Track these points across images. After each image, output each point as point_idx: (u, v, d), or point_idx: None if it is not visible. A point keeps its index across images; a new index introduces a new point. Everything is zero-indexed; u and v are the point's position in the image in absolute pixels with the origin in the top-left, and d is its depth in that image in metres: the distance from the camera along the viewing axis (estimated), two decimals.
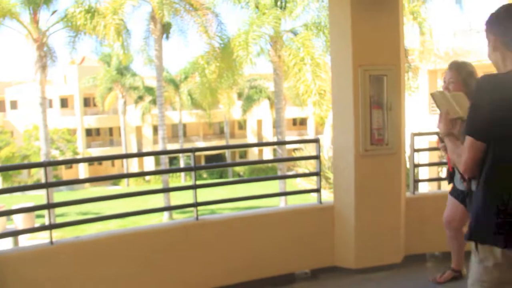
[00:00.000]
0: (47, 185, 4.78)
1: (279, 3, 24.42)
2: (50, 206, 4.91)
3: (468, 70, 4.19)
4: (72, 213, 27.65)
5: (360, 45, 5.19)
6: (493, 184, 2.48)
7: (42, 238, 18.02)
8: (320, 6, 23.89)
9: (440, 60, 28.34)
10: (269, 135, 54.83)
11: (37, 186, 5.31)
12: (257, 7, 24.72)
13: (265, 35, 24.65)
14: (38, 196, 31.79)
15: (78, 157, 45.42)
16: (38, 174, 44.66)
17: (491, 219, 2.45)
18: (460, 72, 4.17)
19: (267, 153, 52.71)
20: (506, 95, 2.48)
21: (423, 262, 5.64)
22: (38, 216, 26.57)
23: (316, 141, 5.96)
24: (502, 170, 2.47)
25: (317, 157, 5.93)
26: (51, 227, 4.74)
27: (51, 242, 4.65)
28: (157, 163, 47.10)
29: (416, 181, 6.09)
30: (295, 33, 25.00)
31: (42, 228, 4.85)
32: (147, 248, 5.04)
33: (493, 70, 2.74)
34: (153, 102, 44.16)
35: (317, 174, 5.93)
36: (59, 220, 24.25)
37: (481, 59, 26.91)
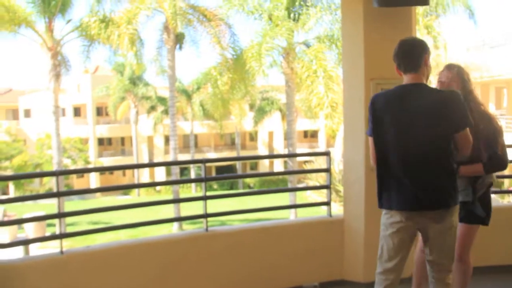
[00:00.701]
0: (58, 194, 4.81)
1: (292, 15, 24.48)
2: (61, 215, 4.95)
3: (467, 74, 4.28)
4: (83, 222, 27.68)
5: (372, 58, 5.20)
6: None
7: (52, 247, 18.06)
8: (333, 19, 23.94)
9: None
10: (280, 147, 54.79)
11: (48, 195, 5.35)
12: (270, 19, 24.80)
13: (278, 47, 24.71)
14: (50, 205, 31.86)
15: (90, 166, 45.59)
16: (50, 183, 44.78)
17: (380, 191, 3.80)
18: (461, 74, 4.22)
19: (278, 165, 52.64)
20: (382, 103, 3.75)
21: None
22: (49, 225, 26.62)
23: (327, 154, 5.96)
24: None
25: (327, 170, 5.93)
26: (62, 236, 4.76)
27: (61, 252, 4.67)
28: (168, 173, 47.14)
29: None
30: (308, 45, 25.05)
31: (53, 237, 4.87)
32: (157, 259, 5.04)
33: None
34: (165, 112, 44.33)
35: (327, 187, 5.92)
36: (70, 229, 24.30)
37: (493, 74, 26.85)
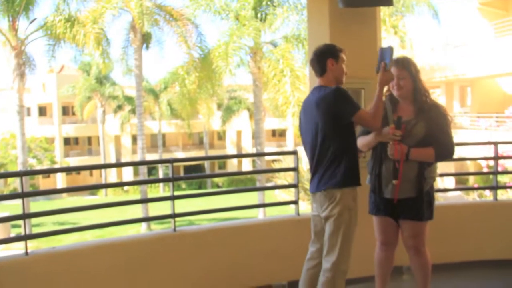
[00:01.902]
0: (23, 195, 4.74)
1: (259, 15, 24.54)
2: (25, 216, 4.87)
3: (415, 66, 4.34)
4: (48, 223, 27.39)
5: None
6: None
7: (17, 248, 17.82)
8: (300, 19, 24.07)
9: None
10: (248, 146, 54.88)
11: (13, 196, 5.26)
12: (237, 18, 24.84)
13: (245, 46, 24.76)
14: (15, 206, 31.42)
15: (56, 166, 45.07)
16: (15, 183, 44.17)
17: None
18: (409, 68, 4.26)
19: (246, 164, 52.72)
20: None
21: (400, 275, 5.67)
22: (14, 226, 26.28)
23: (294, 153, 5.98)
24: None
25: (295, 169, 5.95)
26: (27, 237, 4.69)
27: (26, 253, 4.61)
28: (136, 173, 46.86)
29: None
30: (275, 45, 25.16)
31: (17, 238, 4.79)
32: (124, 259, 5.01)
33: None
34: (133, 111, 44.12)
35: (295, 186, 5.95)
36: (36, 230, 24.02)
37: (457, 73, 27.23)
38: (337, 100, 3.99)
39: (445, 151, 4.19)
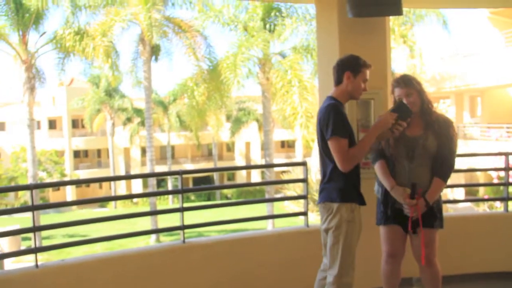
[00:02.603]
0: (33, 208, 4.75)
1: (267, 26, 24.60)
2: (35, 229, 4.87)
3: (416, 79, 4.31)
4: (59, 235, 27.46)
5: None
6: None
7: (28, 261, 17.85)
8: (309, 29, 24.10)
9: (427, 84, 28.49)
10: (257, 158, 54.84)
11: (23, 209, 5.26)
12: (245, 29, 24.91)
13: (253, 57, 24.80)
14: (25, 219, 31.51)
15: (66, 179, 45.18)
16: (25, 196, 44.31)
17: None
18: (412, 83, 4.23)
19: (255, 176, 52.66)
20: None
21: (409, 286, 5.62)
22: (25, 239, 26.32)
23: (303, 164, 5.96)
24: None
25: (304, 180, 5.92)
26: (37, 250, 4.69)
27: (36, 266, 4.61)
28: (145, 185, 46.93)
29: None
30: (283, 56, 25.17)
31: (27, 251, 4.79)
32: (133, 271, 5.00)
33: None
34: (142, 123, 44.16)
35: (304, 197, 5.92)
36: (46, 242, 24.06)
37: (468, 83, 27.14)
38: (325, 118, 3.93)
39: (449, 171, 4.20)
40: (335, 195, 3.98)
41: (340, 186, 3.98)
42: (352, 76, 4.00)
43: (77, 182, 34.88)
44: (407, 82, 4.21)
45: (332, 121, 3.86)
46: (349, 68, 4.01)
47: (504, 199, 6.28)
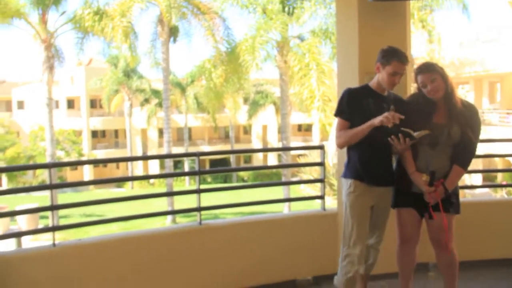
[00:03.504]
0: (51, 187, 4.78)
1: (286, 9, 24.44)
2: (53, 208, 4.91)
3: (438, 65, 4.27)
4: (76, 214, 27.67)
5: (366, 52, 5.16)
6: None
7: (45, 239, 18.03)
8: (328, 13, 23.92)
9: (447, 70, 28.26)
10: (274, 141, 54.82)
11: (41, 187, 5.31)
12: (264, 12, 24.75)
13: (272, 40, 24.68)
14: (43, 197, 31.81)
15: (83, 158, 45.53)
16: (43, 175, 44.71)
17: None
18: (435, 68, 4.17)
19: (272, 159, 52.67)
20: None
21: (425, 272, 5.61)
22: (42, 217, 26.59)
23: (321, 147, 5.96)
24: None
25: (321, 164, 5.92)
26: (54, 229, 4.74)
27: (54, 244, 4.66)
28: (162, 166, 47.11)
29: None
30: (302, 39, 25.04)
31: (45, 229, 4.86)
32: (149, 252, 5.04)
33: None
34: (159, 105, 44.27)
35: (321, 181, 5.91)
36: (63, 221, 24.27)
37: (487, 69, 26.88)
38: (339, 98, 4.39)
39: (469, 159, 4.17)
40: (344, 169, 4.44)
41: (346, 163, 4.42)
42: (381, 67, 4.20)
43: (95, 162, 35.11)
44: (429, 68, 4.15)
45: (340, 103, 4.33)
46: (379, 59, 4.22)
47: None
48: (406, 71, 4.25)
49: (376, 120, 4.02)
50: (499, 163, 25.82)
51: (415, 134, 3.97)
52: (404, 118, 3.94)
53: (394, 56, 4.13)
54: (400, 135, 3.99)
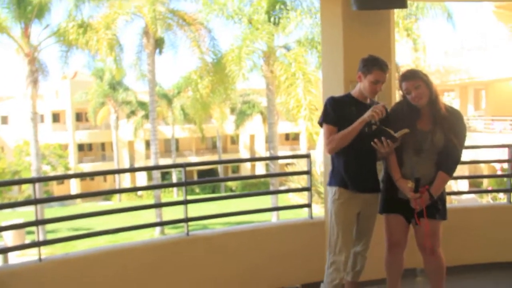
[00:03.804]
0: (36, 202, 4.74)
1: (272, 19, 24.52)
2: (39, 222, 4.87)
3: (423, 72, 4.29)
4: (63, 229, 27.50)
5: (351, 61, 5.16)
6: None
7: (32, 254, 17.88)
8: (314, 22, 24.01)
9: (432, 77, 28.38)
10: (261, 150, 54.87)
11: (26, 202, 5.27)
12: (250, 22, 24.83)
13: (258, 50, 24.75)
14: (29, 212, 31.56)
15: (70, 172, 45.27)
16: (29, 190, 44.35)
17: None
18: (419, 75, 4.19)
19: (260, 168, 52.68)
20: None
21: (413, 277, 5.63)
22: (29, 233, 26.39)
23: (307, 156, 5.96)
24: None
25: (308, 172, 5.92)
26: (40, 244, 4.70)
27: (40, 259, 4.62)
28: (150, 178, 46.98)
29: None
30: (288, 49, 25.12)
31: (31, 245, 4.79)
32: (137, 264, 5.01)
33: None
34: (146, 116, 44.20)
35: (308, 189, 5.91)
36: (50, 235, 24.12)
37: (472, 76, 27.05)
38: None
39: (454, 165, 4.20)
40: (328, 178, 4.47)
41: (330, 172, 4.46)
42: (362, 76, 4.26)
43: (81, 175, 34.86)
44: (414, 74, 4.18)
45: (324, 110, 4.32)
46: (360, 68, 4.27)
47: (508, 191, 6.28)
48: (386, 79, 4.27)
49: (366, 115, 4.05)
50: (484, 169, 25.95)
51: (396, 134, 4.00)
52: (388, 125, 4.00)
53: (375, 65, 4.18)
54: (383, 138, 4.01)
